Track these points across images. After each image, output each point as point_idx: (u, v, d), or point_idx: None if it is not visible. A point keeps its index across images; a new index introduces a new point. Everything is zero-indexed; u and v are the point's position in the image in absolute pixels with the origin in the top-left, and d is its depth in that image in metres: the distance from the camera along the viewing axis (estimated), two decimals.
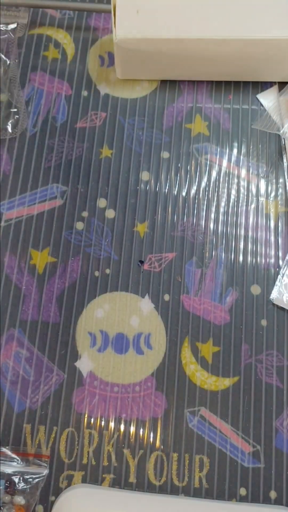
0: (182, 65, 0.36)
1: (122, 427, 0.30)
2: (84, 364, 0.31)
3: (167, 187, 0.35)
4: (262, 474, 0.30)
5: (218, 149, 0.36)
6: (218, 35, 0.33)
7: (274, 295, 0.33)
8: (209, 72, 0.37)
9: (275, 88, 0.37)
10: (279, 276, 0.33)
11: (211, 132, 0.36)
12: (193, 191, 0.35)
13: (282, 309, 0.32)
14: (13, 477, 0.29)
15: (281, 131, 0.36)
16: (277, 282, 0.33)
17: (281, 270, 0.33)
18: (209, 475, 0.30)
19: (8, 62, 0.36)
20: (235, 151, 0.36)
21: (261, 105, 0.37)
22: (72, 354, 0.32)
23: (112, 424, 0.30)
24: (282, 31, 0.33)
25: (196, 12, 0.33)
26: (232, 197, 0.35)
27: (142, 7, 0.33)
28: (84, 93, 0.37)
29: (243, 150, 0.36)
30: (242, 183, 0.35)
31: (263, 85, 0.38)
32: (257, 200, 0.35)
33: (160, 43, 0.33)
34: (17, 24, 0.37)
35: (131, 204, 0.35)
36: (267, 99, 0.37)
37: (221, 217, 0.34)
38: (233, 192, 0.35)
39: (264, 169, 0.36)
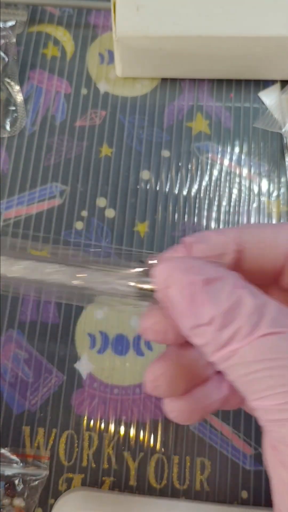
0: (183, 63, 0.35)
1: (122, 429, 0.30)
2: (84, 366, 0.31)
3: (167, 186, 0.35)
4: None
5: (219, 148, 0.36)
6: (220, 33, 0.32)
7: None
8: (210, 70, 0.36)
9: (276, 86, 0.37)
10: None
11: (212, 131, 0.36)
12: (194, 190, 0.35)
13: None
14: (12, 478, 0.29)
15: (283, 130, 0.35)
16: None
17: None
18: (210, 478, 0.29)
19: (6, 59, 0.35)
20: (236, 149, 0.36)
21: (263, 103, 0.36)
22: (71, 355, 0.31)
23: (112, 427, 0.30)
24: (284, 29, 0.32)
25: (197, 9, 0.32)
26: (234, 196, 0.35)
27: (143, 4, 0.32)
28: (84, 91, 0.37)
29: (245, 149, 0.36)
30: (243, 182, 0.35)
31: (265, 84, 0.37)
32: (259, 200, 0.34)
33: (161, 40, 0.33)
34: (16, 22, 0.37)
35: (131, 203, 0.34)
36: (269, 97, 0.37)
37: (222, 216, 0.34)
38: (235, 191, 0.35)
39: (266, 168, 0.35)
